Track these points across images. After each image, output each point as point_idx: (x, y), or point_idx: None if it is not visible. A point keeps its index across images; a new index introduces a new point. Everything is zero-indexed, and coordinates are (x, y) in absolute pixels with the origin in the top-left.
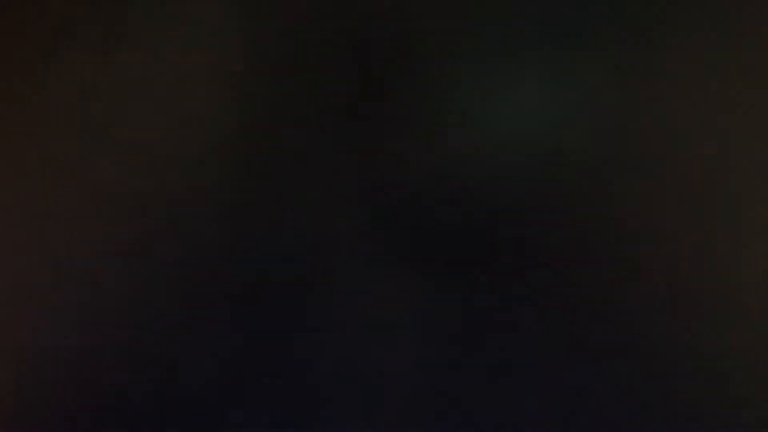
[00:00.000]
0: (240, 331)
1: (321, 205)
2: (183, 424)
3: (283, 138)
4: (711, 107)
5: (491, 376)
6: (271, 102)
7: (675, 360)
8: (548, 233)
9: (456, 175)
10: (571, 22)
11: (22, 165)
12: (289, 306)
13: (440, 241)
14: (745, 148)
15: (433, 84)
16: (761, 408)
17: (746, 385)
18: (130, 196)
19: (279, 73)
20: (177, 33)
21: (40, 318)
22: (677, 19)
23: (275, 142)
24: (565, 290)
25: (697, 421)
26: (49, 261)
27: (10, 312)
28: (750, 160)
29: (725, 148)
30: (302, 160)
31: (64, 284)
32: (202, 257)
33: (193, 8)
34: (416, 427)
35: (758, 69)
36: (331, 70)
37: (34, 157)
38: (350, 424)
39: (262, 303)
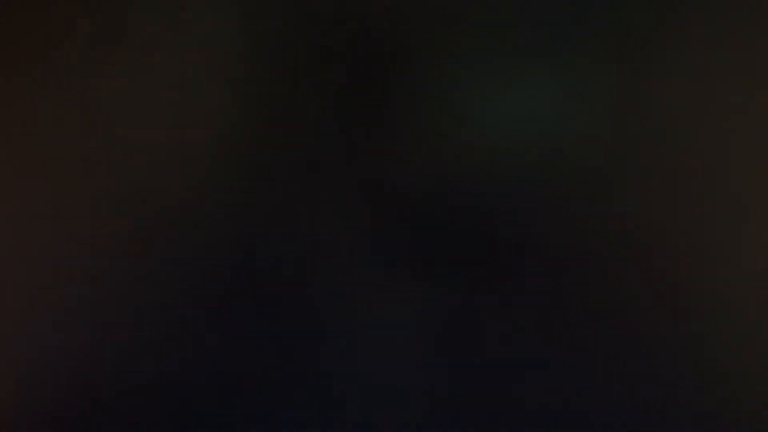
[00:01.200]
0: (240, 331)
1: (320, 205)
2: (183, 424)
3: (283, 138)
4: (711, 107)
5: (491, 376)
6: (270, 102)
7: (675, 360)
8: (548, 233)
9: (456, 175)
10: (570, 22)
11: (22, 165)
12: (289, 306)
13: (440, 241)
14: (745, 149)
15: (433, 84)
16: (761, 408)
17: (746, 385)
18: (130, 195)
19: (278, 73)
20: (176, 33)
21: (40, 318)
22: (677, 19)
23: (274, 143)
24: (565, 290)
25: (697, 421)
26: (49, 261)
27: (10, 312)
28: (750, 160)
29: (725, 149)
30: (302, 161)
31: (64, 284)
32: (201, 258)
33: (192, 8)
34: (416, 427)
35: (758, 69)
36: (330, 70)
37: (34, 156)
38: (350, 424)
39: (261, 303)
